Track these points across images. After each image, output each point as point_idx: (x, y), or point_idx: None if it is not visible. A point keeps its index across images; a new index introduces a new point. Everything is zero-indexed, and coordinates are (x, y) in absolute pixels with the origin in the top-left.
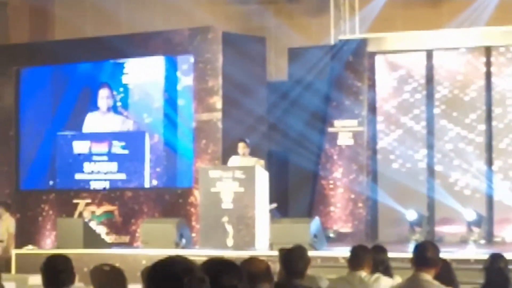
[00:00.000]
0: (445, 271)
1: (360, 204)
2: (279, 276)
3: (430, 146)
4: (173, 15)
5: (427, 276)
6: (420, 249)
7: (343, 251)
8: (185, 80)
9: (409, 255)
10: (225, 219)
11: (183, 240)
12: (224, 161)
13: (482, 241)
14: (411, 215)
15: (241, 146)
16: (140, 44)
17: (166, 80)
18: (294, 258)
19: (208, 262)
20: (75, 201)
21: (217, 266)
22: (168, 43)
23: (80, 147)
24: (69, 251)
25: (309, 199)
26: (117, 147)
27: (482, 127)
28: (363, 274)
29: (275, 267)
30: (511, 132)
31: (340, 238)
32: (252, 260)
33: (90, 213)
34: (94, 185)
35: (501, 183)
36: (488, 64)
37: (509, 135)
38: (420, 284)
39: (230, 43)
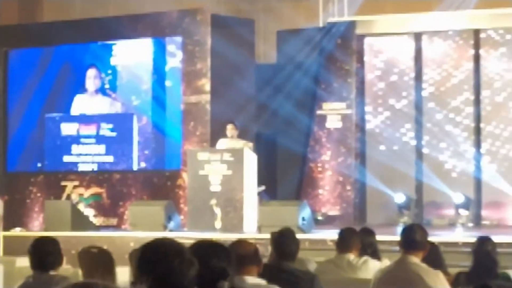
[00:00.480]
0: (433, 254)
1: (348, 187)
2: (270, 259)
3: (418, 129)
4: None
5: (415, 259)
6: (408, 232)
7: (331, 234)
8: (174, 62)
9: (397, 238)
10: (213, 201)
11: (171, 223)
12: (213, 143)
13: (470, 224)
14: (399, 198)
15: (229, 128)
16: (129, 26)
17: (155, 62)
18: (285, 241)
19: (197, 245)
20: (63, 183)
21: (206, 248)
22: (157, 25)
23: (68, 129)
24: (57, 234)
25: (298, 181)
26: (105, 130)
27: (470, 109)
28: (351, 257)
29: (264, 250)
30: (499, 114)
31: (328, 220)
32: (240, 242)
33: (78, 195)
34: (82, 168)
35: (489, 166)
36: (476, 47)
37: (496, 117)
38: (408, 267)
39: (219, 25)
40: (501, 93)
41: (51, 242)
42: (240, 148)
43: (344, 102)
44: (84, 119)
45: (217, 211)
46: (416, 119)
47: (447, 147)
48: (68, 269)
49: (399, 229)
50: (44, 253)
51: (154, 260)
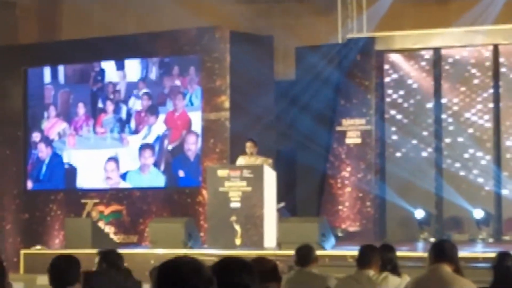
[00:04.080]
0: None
1: (368, 203)
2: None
3: (438, 144)
4: (180, 15)
5: (448, 268)
6: (438, 245)
7: (351, 250)
8: (193, 80)
9: (417, 253)
10: (233, 218)
11: (191, 240)
12: (232, 160)
13: (491, 240)
14: (419, 213)
15: (248, 146)
16: (148, 44)
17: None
18: None
19: (221, 261)
20: (83, 201)
21: (229, 264)
22: (176, 42)
23: None
24: (77, 251)
25: (317, 198)
26: None
27: (489, 124)
28: (371, 273)
29: (283, 266)
30: None
31: (349, 237)
32: (260, 259)
33: (98, 212)
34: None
35: (509, 181)
36: (496, 61)
37: None
38: (442, 275)
39: (237, 42)
40: None
41: (68, 260)
42: (260, 165)
43: (364, 118)
44: None
45: (237, 227)
46: (436, 134)
47: (466, 163)
48: None
49: (419, 245)
50: (62, 271)
51: (172, 279)
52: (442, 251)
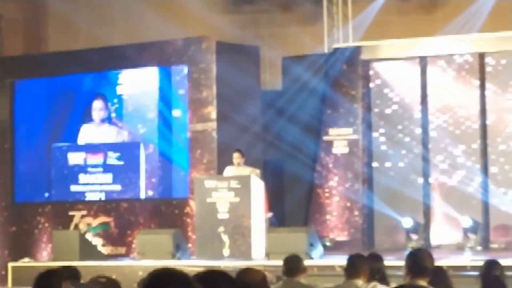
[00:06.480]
0: (442, 278)
1: (356, 212)
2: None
3: (425, 154)
4: (166, 25)
5: (423, 283)
6: (416, 257)
7: (340, 260)
8: (180, 90)
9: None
10: (221, 229)
11: (180, 251)
12: (220, 171)
13: (479, 248)
14: (407, 222)
15: (235, 156)
16: (134, 55)
17: (161, 90)
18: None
19: (202, 273)
20: (71, 213)
21: (211, 277)
22: (162, 54)
23: (75, 158)
24: (65, 264)
25: (305, 207)
26: (112, 158)
27: (477, 133)
28: (360, 282)
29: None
30: (506, 137)
31: (337, 246)
32: (248, 270)
33: (86, 225)
34: (89, 197)
35: (497, 189)
36: (482, 70)
37: (505, 140)
38: None
39: (224, 52)
40: (509, 117)
41: (46, 275)
42: (247, 175)
43: (351, 127)
44: (91, 148)
45: (225, 238)
46: (423, 144)
47: (454, 171)
48: None
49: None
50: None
51: None
52: (419, 266)
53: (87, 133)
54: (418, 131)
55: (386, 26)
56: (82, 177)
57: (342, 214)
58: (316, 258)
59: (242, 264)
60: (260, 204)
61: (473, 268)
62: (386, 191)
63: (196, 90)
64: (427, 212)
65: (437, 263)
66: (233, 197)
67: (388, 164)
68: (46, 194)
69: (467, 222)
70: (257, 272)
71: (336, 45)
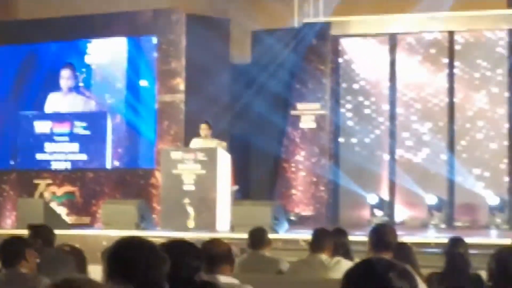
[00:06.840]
0: (405, 253)
1: (321, 187)
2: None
3: (392, 131)
4: None
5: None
6: (379, 232)
7: (304, 234)
8: (148, 61)
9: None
10: (186, 201)
11: (144, 222)
12: (187, 143)
13: (443, 225)
14: (372, 198)
15: (203, 128)
16: (104, 25)
17: (129, 60)
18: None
19: (169, 243)
20: (36, 181)
21: (178, 247)
22: (132, 24)
23: (41, 127)
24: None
25: (271, 181)
26: (79, 128)
27: (444, 110)
28: (324, 257)
29: (237, 249)
30: (473, 115)
31: (302, 221)
32: (213, 242)
33: (51, 193)
34: (55, 166)
35: (462, 168)
36: (451, 48)
37: (471, 118)
38: None
39: (193, 25)
40: (477, 96)
41: (16, 241)
42: (214, 148)
43: (319, 102)
44: (57, 117)
45: (190, 210)
46: (390, 121)
47: (420, 148)
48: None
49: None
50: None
51: (128, 257)
52: (382, 241)
53: (54, 102)
54: (386, 107)
55: (356, 2)
56: (48, 146)
57: (308, 188)
58: (281, 232)
59: (206, 236)
60: (226, 177)
61: (437, 245)
62: (352, 167)
63: (165, 61)
64: (392, 189)
65: (401, 239)
66: (199, 169)
67: (354, 140)
68: (12, 162)
69: (431, 199)
70: (223, 243)
71: (306, 20)
